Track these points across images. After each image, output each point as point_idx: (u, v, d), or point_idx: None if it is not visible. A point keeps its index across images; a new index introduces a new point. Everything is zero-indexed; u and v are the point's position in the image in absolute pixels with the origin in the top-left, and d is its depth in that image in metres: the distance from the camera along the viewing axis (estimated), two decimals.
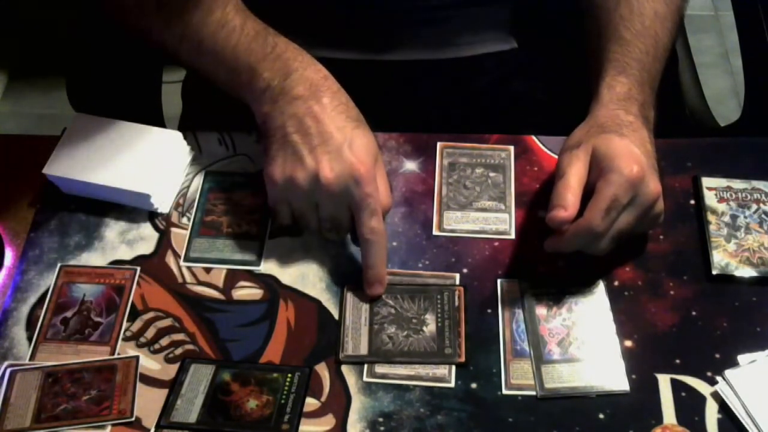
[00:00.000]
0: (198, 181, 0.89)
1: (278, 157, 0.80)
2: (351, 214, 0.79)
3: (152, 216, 0.87)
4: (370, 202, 0.78)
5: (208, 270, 0.83)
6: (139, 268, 0.83)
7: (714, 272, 0.81)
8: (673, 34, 0.91)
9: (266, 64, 0.82)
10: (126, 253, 0.84)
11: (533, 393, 0.75)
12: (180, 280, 0.83)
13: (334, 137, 0.79)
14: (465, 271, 0.83)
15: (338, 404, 0.74)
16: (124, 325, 0.79)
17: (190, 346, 0.78)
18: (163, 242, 0.85)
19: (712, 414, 0.73)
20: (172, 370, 0.77)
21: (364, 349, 0.77)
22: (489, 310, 0.80)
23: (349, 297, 0.81)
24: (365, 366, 0.77)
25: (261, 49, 0.83)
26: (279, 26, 0.86)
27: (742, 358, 0.76)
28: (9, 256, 0.85)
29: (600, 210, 0.75)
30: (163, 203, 0.87)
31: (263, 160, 0.82)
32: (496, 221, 0.86)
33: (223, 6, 0.86)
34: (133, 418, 0.73)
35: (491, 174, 0.89)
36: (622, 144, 0.78)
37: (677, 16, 0.92)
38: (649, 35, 0.88)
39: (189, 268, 0.83)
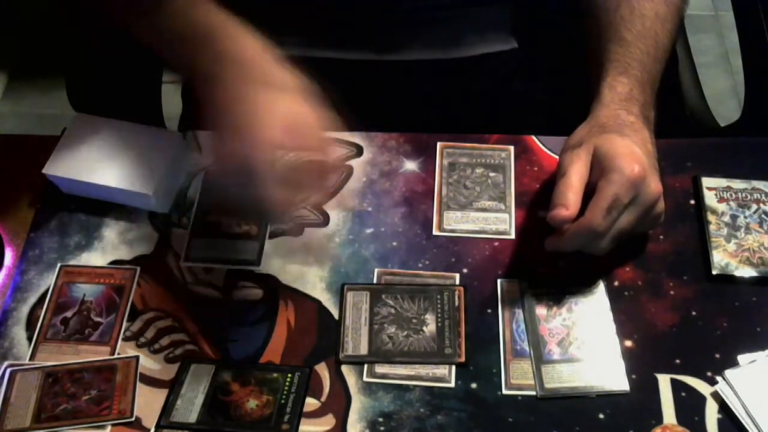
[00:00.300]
0: (198, 181, 0.89)
1: (222, 153, 0.76)
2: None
3: (152, 216, 0.87)
4: (262, 168, 0.72)
5: (208, 270, 0.83)
6: (139, 268, 0.83)
7: (714, 272, 0.81)
8: (674, 35, 0.91)
9: (203, 51, 0.77)
10: (126, 253, 0.84)
11: (533, 393, 0.75)
12: (180, 280, 0.83)
13: (257, 117, 0.74)
14: (465, 271, 0.83)
15: (338, 404, 0.74)
16: (124, 325, 0.80)
17: (190, 346, 0.78)
18: (163, 242, 0.85)
19: (712, 414, 0.73)
20: (172, 370, 0.77)
21: (364, 349, 0.77)
22: (489, 310, 0.80)
23: (349, 297, 0.81)
24: (365, 366, 0.77)
25: (203, 34, 0.78)
26: (279, 26, 0.85)
27: (742, 358, 0.76)
28: (9, 256, 0.85)
29: (601, 209, 0.75)
30: (163, 203, 0.87)
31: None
32: (496, 221, 0.86)
33: None
34: (133, 418, 0.73)
35: (491, 174, 0.89)
36: (624, 144, 0.78)
37: (677, 17, 0.92)
38: (649, 36, 0.88)
39: (189, 268, 0.83)
